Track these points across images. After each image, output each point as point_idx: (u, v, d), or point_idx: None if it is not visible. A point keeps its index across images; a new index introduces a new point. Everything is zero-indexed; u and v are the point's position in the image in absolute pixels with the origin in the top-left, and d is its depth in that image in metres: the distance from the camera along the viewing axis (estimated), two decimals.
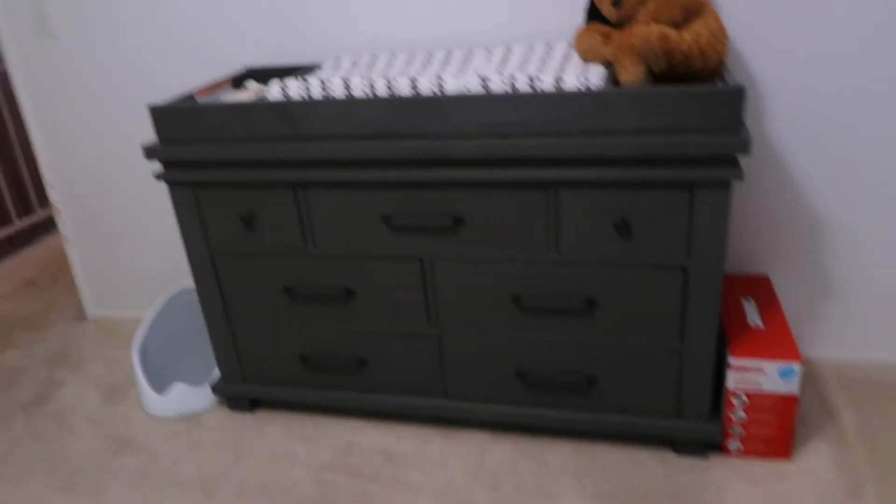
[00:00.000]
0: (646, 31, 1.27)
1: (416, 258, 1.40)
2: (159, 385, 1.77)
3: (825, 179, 1.55)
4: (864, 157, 1.52)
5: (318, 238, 1.44)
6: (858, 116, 1.49)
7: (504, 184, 1.30)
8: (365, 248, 1.42)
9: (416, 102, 1.27)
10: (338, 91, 1.35)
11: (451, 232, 1.36)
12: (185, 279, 2.11)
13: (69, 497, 1.50)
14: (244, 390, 1.67)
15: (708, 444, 1.45)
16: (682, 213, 1.24)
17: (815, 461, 1.40)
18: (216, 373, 1.75)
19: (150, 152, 1.42)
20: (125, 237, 2.13)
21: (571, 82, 1.26)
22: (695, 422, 1.40)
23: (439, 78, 1.31)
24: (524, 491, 1.39)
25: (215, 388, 1.69)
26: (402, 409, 1.56)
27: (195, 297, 1.92)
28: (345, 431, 1.60)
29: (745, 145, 1.16)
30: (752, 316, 1.48)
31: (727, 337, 1.41)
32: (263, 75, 1.73)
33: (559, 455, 1.47)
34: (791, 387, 1.35)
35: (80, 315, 2.30)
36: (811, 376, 1.66)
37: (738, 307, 1.52)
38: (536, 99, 1.22)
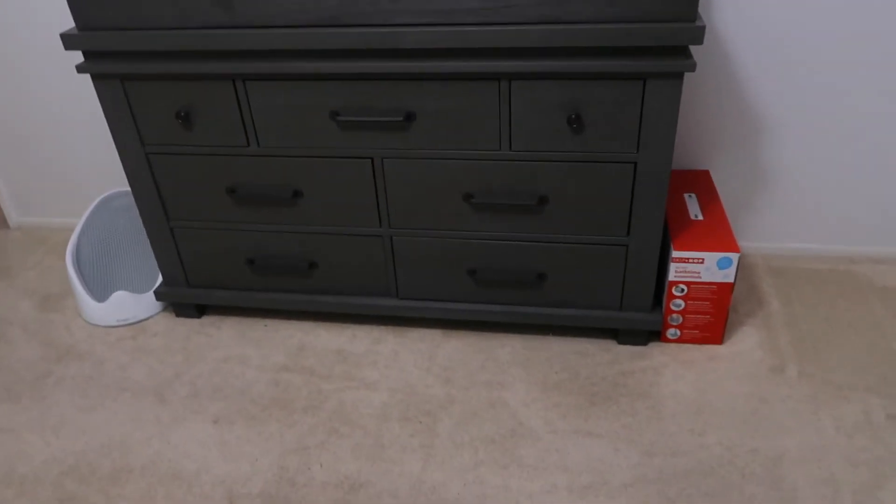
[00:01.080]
0: None
1: (366, 156, 1.37)
2: (99, 293, 1.71)
3: (767, 74, 1.56)
4: (806, 54, 1.53)
5: (262, 136, 1.38)
6: (803, 10, 1.49)
7: (456, 76, 1.26)
8: (312, 145, 1.37)
9: None
10: None
11: (401, 128, 1.32)
12: (116, 182, 2.00)
13: (12, 406, 1.46)
14: (190, 296, 1.63)
15: (649, 333, 1.51)
16: (634, 106, 1.24)
17: (743, 344, 1.49)
18: (158, 280, 1.70)
19: (68, 41, 1.30)
20: (46, 137, 1.98)
21: None
22: (637, 312, 1.46)
23: None
24: (476, 383, 1.43)
25: (159, 295, 1.65)
26: (354, 310, 1.56)
27: (129, 200, 1.83)
28: (297, 333, 1.60)
29: (698, 35, 1.15)
30: (694, 210, 1.52)
31: (670, 230, 1.44)
32: None
33: (509, 348, 1.52)
34: (728, 276, 1.41)
35: (2, 223, 2.17)
36: (743, 266, 1.74)
37: (680, 201, 1.56)
38: None
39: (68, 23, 1.77)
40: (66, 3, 1.36)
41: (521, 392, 1.40)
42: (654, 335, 1.53)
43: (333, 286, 1.55)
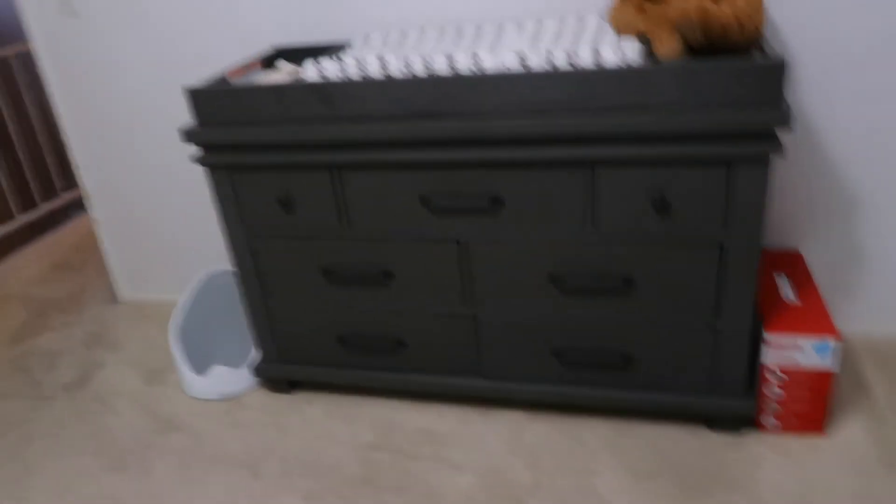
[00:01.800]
0: (684, 4, 1.25)
1: (454, 239, 1.40)
2: (198, 367, 1.79)
3: (859, 154, 1.53)
4: None
5: (356, 219, 1.45)
6: (894, 91, 1.46)
7: (542, 163, 1.29)
8: (402, 229, 1.42)
9: (455, 81, 1.26)
10: (374, 70, 1.34)
11: (488, 213, 1.36)
12: (217, 261, 2.12)
13: (119, 475, 1.53)
14: (283, 371, 1.69)
15: (743, 420, 1.45)
16: (720, 190, 1.23)
17: (849, 435, 1.40)
18: (254, 355, 1.77)
19: (188, 136, 1.42)
20: (156, 219, 2.14)
21: (610, 57, 1.24)
22: (730, 398, 1.40)
23: (476, 55, 1.29)
24: (563, 468, 1.40)
25: (254, 370, 1.71)
26: (441, 389, 1.57)
27: (230, 279, 1.93)
28: (385, 411, 1.62)
29: (785, 120, 1.15)
30: (787, 291, 1.48)
31: (762, 313, 1.40)
32: (292, 55, 1.71)
33: (597, 432, 1.48)
34: (827, 362, 1.35)
35: (112, 298, 2.33)
36: (843, 351, 1.66)
37: (771, 283, 1.51)
38: (576, 76, 1.21)
39: (173, 113, 1.94)
40: (187, 100, 1.48)
41: (611, 480, 1.36)
42: (749, 422, 1.46)
43: (421, 365, 1.58)
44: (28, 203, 2.91)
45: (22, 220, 2.82)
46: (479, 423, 1.55)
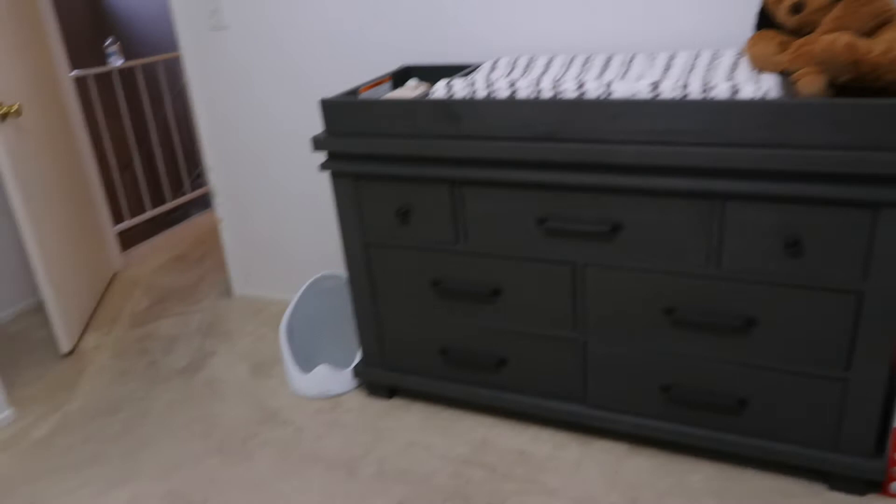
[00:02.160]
0: (831, 40, 1.19)
1: (568, 262, 1.40)
2: (303, 365, 1.86)
3: None
4: None
5: (471, 235, 1.46)
6: None
7: (668, 192, 1.27)
8: (516, 248, 1.43)
9: (583, 106, 1.26)
10: (503, 92, 1.36)
11: (606, 238, 1.34)
12: (328, 265, 2.19)
13: (221, 459, 1.60)
14: (384, 377, 1.72)
15: (868, 483, 1.35)
16: (862, 234, 1.17)
17: None
18: (358, 357, 1.82)
19: (317, 144, 1.49)
20: (275, 221, 2.24)
21: (749, 90, 1.21)
22: (855, 457, 1.31)
23: (606, 81, 1.29)
24: None
25: (357, 373, 1.75)
26: (539, 411, 1.55)
27: (337, 283, 2.00)
28: (480, 427, 1.62)
29: None
30: None
31: None
32: (421, 73, 1.77)
33: (702, 475, 1.42)
34: None
35: (228, 292, 2.45)
36: None
37: None
38: (711, 107, 1.18)
39: (303, 124, 2.03)
40: (320, 111, 1.56)
41: None
42: (874, 486, 1.36)
43: (521, 384, 1.57)
44: (158, 199, 3.13)
45: (152, 213, 3.02)
46: (577, 450, 1.52)
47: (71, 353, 2.13)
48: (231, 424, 1.73)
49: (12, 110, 1.93)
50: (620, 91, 1.28)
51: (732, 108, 1.17)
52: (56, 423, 1.79)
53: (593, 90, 1.30)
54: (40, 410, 1.85)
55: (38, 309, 2.46)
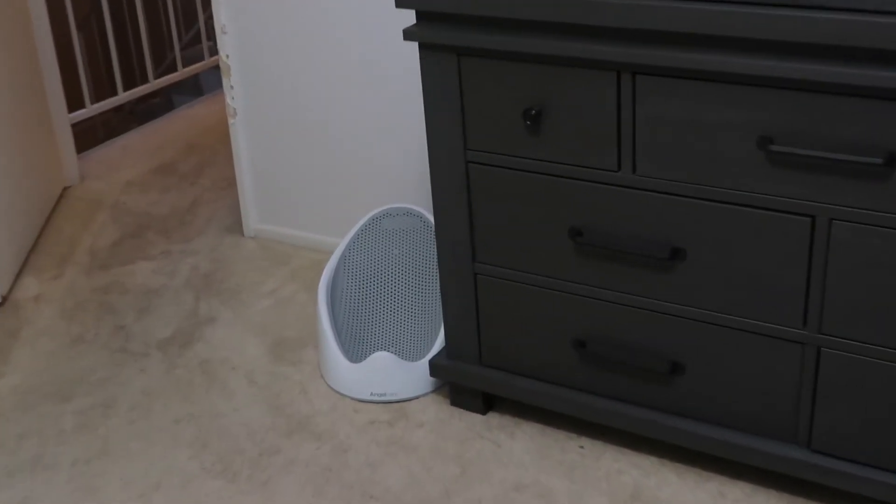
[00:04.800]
0: None
1: (805, 213, 1.35)
2: (352, 350, 1.86)
3: None
4: None
5: (643, 158, 1.42)
6: None
7: None
8: (717, 184, 1.38)
9: None
10: None
11: (874, 175, 1.28)
12: (395, 194, 2.19)
13: (227, 484, 1.63)
14: (480, 378, 1.71)
15: None
16: None
17: None
18: (438, 345, 1.80)
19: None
20: (317, 121, 2.24)
21: None
22: None
23: None
24: None
25: (436, 368, 1.74)
26: (730, 454, 1.53)
27: (410, 223, 1.98)
28: (632, 469, 1.61)
29: None
30: None
31: None
32: None
33: None
34: None
35: (237, 227, 2.48)
36: None
37: None
38: None
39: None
40: None
41: None
42: None
43: (703, 407, 1.54)
44: (132, 76, 3.18)
45: (124, 98, 3.08)
46: None
47: (0, 304, 2.20)
48: (240, 433, 1.75)
49: None
50: None
51: None
52: None
53: None
54: None
55: None
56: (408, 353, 1.85)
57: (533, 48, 1.42)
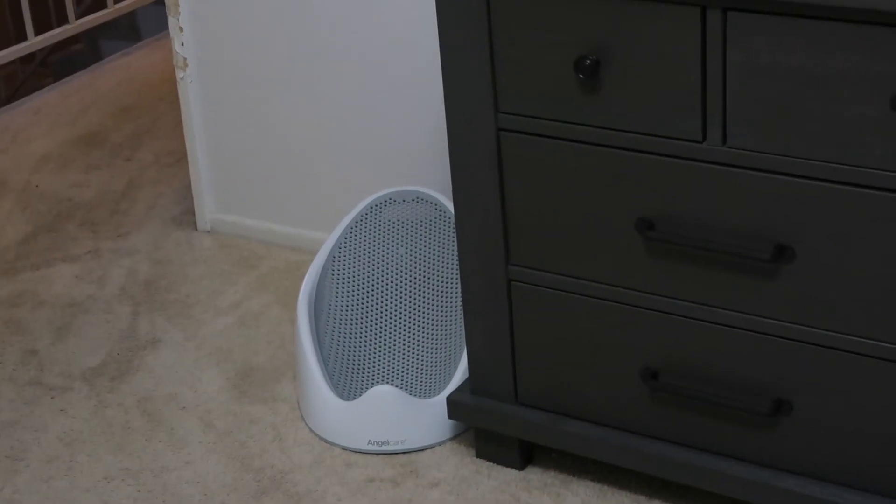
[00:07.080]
0: None
1: None
2: (342, 383, 1.87)
3: None
4: None
5: (737, 125, 1.43)
6: None
7: None
8: (840, 159, 1.38)
9: None
10: None
11: None
12: (399, 175, 2.20)
13: None
14: (516, 421, 1.72)
15: None
16: None
17: None
18: (458, 377, 1.81)
19: None
20: (294, 79, 2.25)
21: None
22: None
23: None
24: None
25: (455, 408, 1.75)
26: None
27: (420, 212, 2.00)
28: None
29: None
30: None
31: None
32: None
33: None
34: None
35: (187, 218, 2.49)
36: None
37: None
38: None
39: None
40: None
41: None
42: None
43: (814, 459, 1.54)
44: (47, 17, 3.19)
45: (34, 44, 3.09)
46: None
47: None
48: (190, 494, 1.75)
49: None
50: None
51: None
52: None
53: None
54: None
55: None
56: (418, 388, 1.86)
57: None
